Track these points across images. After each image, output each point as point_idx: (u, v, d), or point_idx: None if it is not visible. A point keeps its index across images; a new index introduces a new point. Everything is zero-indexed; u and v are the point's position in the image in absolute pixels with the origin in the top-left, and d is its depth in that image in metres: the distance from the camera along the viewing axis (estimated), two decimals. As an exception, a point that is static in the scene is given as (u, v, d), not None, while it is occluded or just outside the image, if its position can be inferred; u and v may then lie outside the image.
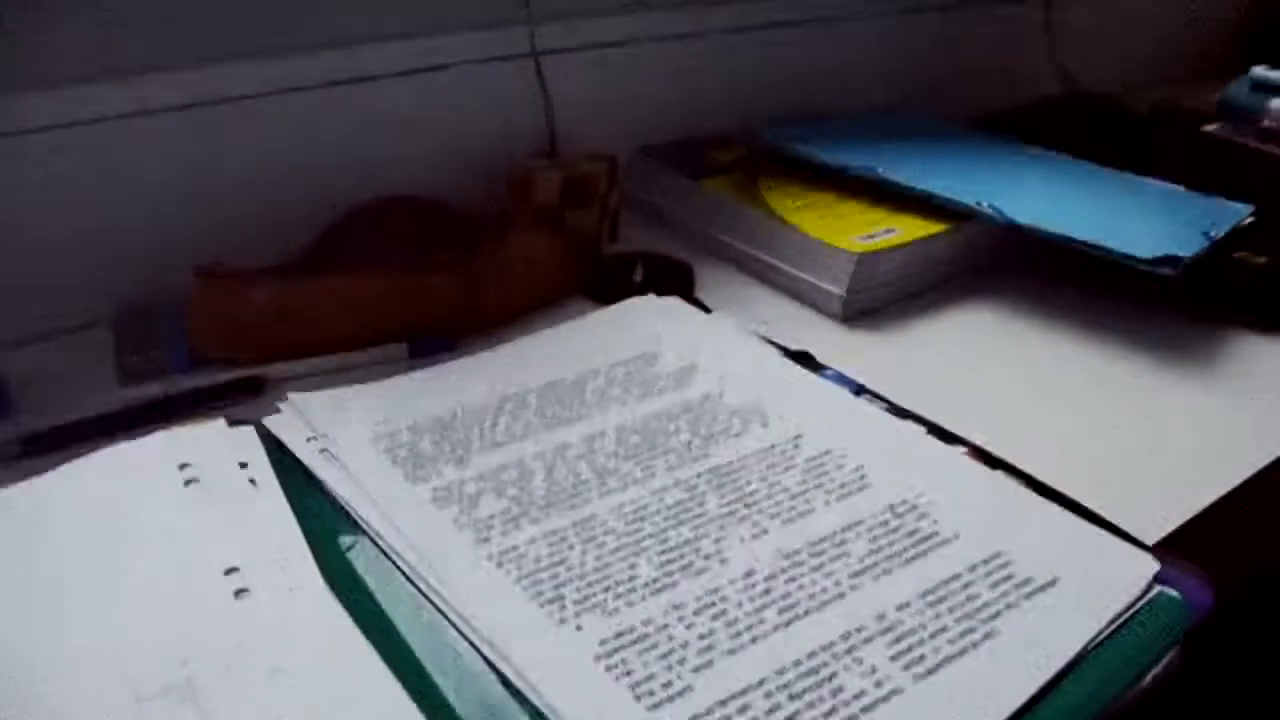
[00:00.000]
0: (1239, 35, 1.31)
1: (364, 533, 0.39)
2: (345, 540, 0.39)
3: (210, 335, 0.54)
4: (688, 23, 0.77)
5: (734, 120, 0.79)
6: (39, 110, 0.54)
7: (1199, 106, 1.07)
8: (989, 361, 0.57)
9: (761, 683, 0.33)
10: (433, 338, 0.55)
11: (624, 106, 0.75)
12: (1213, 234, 0.64)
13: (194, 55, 0.58)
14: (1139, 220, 0.65)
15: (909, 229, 0.63)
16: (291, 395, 0.47)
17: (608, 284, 0.62)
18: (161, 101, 0.58)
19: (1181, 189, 0.74)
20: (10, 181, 0.54)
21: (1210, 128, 0.97)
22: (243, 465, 0.41)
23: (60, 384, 0.52)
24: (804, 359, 0.53)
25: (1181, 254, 0.59)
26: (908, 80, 0.92)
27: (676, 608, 0.36)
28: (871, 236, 0.61)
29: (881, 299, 0.62)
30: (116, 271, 0.58)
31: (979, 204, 0.63)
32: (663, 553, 0.39)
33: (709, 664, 0.34)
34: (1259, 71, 1.07)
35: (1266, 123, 0.95)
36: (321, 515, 0.40)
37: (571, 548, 0.39)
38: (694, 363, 0.52)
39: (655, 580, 0.37)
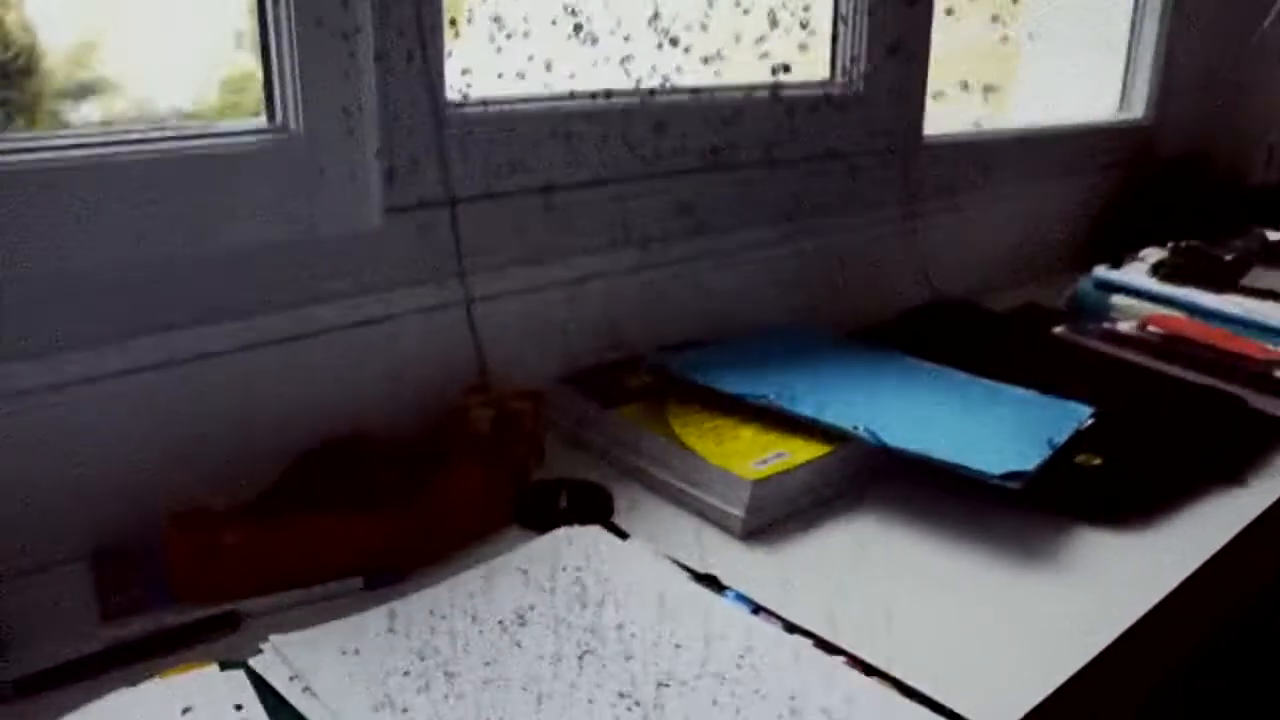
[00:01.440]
0: (1093, 232, 1.48)
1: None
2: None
3: (188, 575, 0.61)
4: (599, 265, 0.88)
5: (646, 344, 0.90)
6: (31, 374, 0.62)
7: (1054, 304, 1.22)
8: (868, 569, 0.66)
9: None
10: (385, 570, 0.63)
11: (545, 340, 0.85)
12: (1056, 441, 0.76)
13: (167, 321, 0.67)
14: (991, 433, 0.76)
15: (798, 451, 0.73)
16: (272, 638, 0.54)
17: (536, 511, 0.70)
18: (138, 362, 0.65)
19: (1033, 393, 0.86)
20: (2, 435, 0.61)
21: (1059, 329, 1.10)
22: (238, 707, 0.48)
23: (44, 621, 0.58)
24: (710, 581, 0.62)
25: (1025, 469, 0.69)
26: (797, 298, 1.05)
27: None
28: (765, 461, 0.71)
29: (776, 516, 0.71)
30: (94, 511, 0.65)
31: (856, 428, 0.74)
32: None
33: None
34: (1100, 272, 1.22)
35: (1105, 324, 1.09)
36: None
37: (519, 770, 0.46)
38: (615, 590, 0.60)
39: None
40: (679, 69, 0.91)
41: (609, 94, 0.86)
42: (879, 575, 0.66)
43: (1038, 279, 1.37)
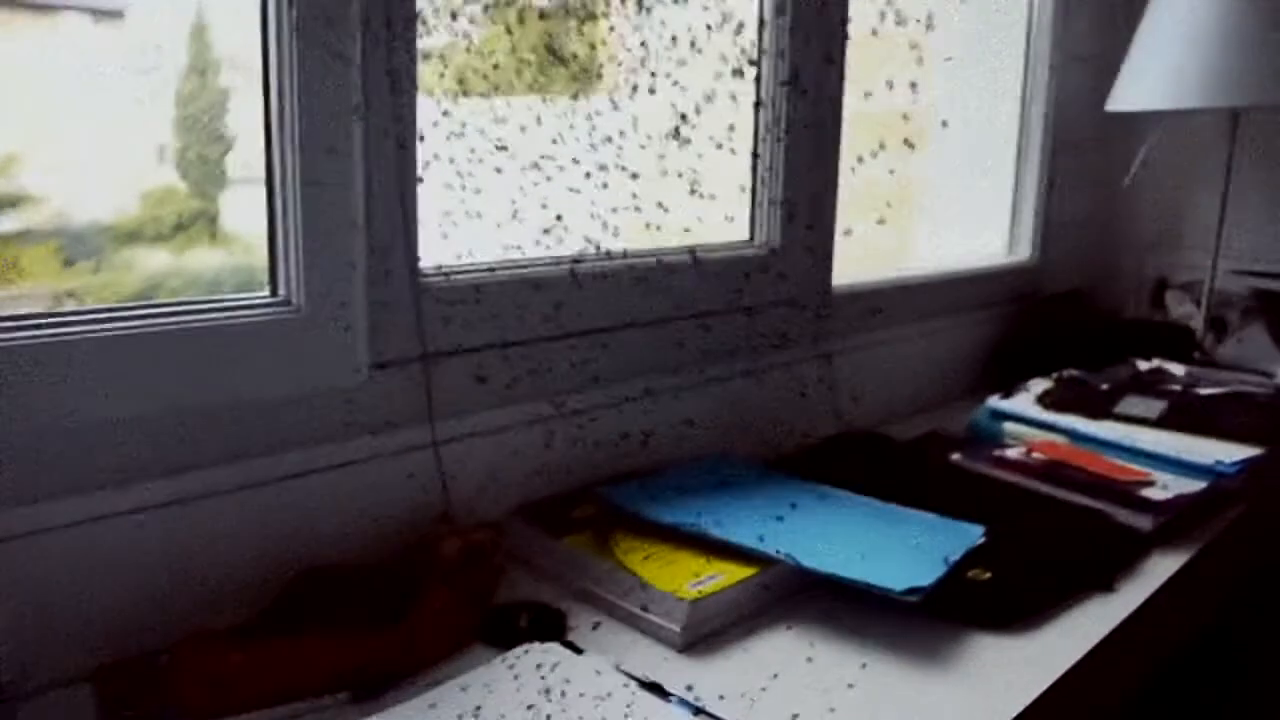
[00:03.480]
0: (990, 363, 1.63)
1: None
2: None
3: (194, 692, 0.69)
4: (549, 408, 0.99)
5: (592, 477, 1.01)
6: (54, 513, 0.71)
7: (955, 430, 1.35)
8: (791, 674, 0.76)
9: None
10: (369, 685, 0.72)
11: (502, 476, 0.96)
12: (951, 559, 0.87)
13: (175, 465, 0.76)
14: (895, 553, 0.88)
15: (729, 573, 0.84)
16: (282, 750, 0.62)
17: (500, 631, 0.79)
18: (145, 502, 0.75)
19: (932, 516, 0.97)
20: (24, 566, 0.69)
21: (956, 456, 1.23)
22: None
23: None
24: (655, 688, 0.72)
25: (924, 584, 0.81)
26: (724, 431, 1.17)
27: None
28: (700, 583, 0.82)
29: (711, 630, 0.81)
30: (99, 634, 0.73)
31: (777, 552, 0.85)
32: None
33: None
34: (993, 401, 1.36)
35: (996, 451, 1.22)
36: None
37: None
38: (572, 698, 0.70)
39: None
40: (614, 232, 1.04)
41: (558, 261, 0.98)
42: (800, 678, 0.76)
43: (942, 407, 1.51)
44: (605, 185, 1.00)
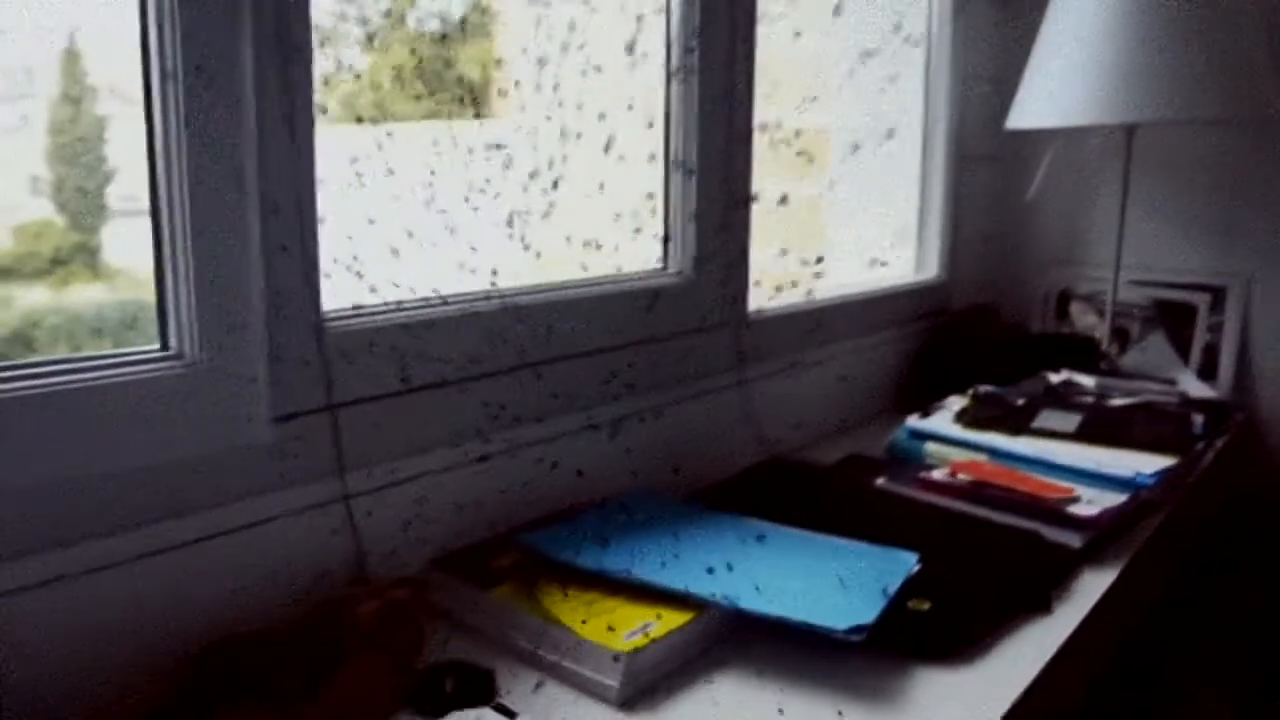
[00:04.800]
0: (905, 381, 1.63)
1: None
2: None
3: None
4: (465, 452, 0.94)
5: (510, 522, 0.96)
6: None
7: (875, 452, 1.33)
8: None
9: None
10: (286, 770, 0.66)
11: (417, 526, 0.90)
12: (890, 590, 0.85)
13: (63, 537, 0.69)
14: (832, 588, 0.85)
15: (665, 619, 0.80)
16: None
17: (426, 696, 0.74)
18: (32, 578, 0.67)
19: (864, 545, 0.95)
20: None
21: (881, 480, 1.21)
22: None
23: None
24: (596, 752, 0.67)
25: (866, 621, 0.78)
26: (646, 464, 1.13)
27: None
28: (635, 632, 0.77)
29: (650, 681, 0.77)
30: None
31: (714, 595, 0.82)
32: None
33: None
34: (912, 421, 1.35)
35: (921, 473, 1.21)
36: None
37: None
38: (511, 766, 0.65)
39: None
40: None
41: (468, 298, 0.94)
42: (745, 728, 0.73)
43: (859, 428, 1.50)
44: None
